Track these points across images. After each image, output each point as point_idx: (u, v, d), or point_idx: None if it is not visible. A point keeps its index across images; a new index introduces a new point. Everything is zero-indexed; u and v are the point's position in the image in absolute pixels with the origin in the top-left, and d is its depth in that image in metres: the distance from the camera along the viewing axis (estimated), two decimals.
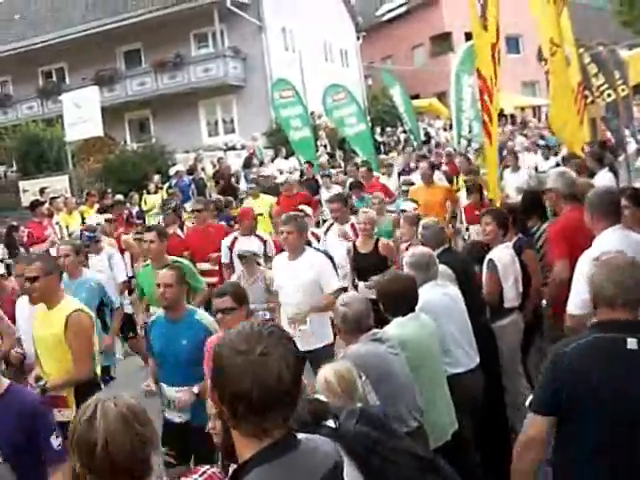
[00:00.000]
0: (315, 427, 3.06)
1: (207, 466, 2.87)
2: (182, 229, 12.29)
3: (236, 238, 9.95)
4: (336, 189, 14.61)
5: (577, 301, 4.88)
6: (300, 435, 2.27)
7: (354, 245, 8.76)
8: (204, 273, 9.59)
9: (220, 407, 2.19)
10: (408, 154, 20.39)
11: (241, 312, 5.26)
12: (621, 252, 3.70)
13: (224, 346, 2.18)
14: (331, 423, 3.15)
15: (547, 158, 18.10)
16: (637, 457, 3.27)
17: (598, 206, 5.46)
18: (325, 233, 9.94)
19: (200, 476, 2.74)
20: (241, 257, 8.29)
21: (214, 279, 9.73)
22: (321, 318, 7.05)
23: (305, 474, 2.18)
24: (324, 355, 6.13)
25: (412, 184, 12.73)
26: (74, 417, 2.62)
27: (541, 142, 23.23)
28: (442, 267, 6.06)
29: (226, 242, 9.99)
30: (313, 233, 9.90)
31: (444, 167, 16.65)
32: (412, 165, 17.69)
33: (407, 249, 7.25)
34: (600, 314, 3.52)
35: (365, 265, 8.42)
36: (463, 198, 12.20)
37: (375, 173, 15.18)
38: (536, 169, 16.91)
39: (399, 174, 16.57)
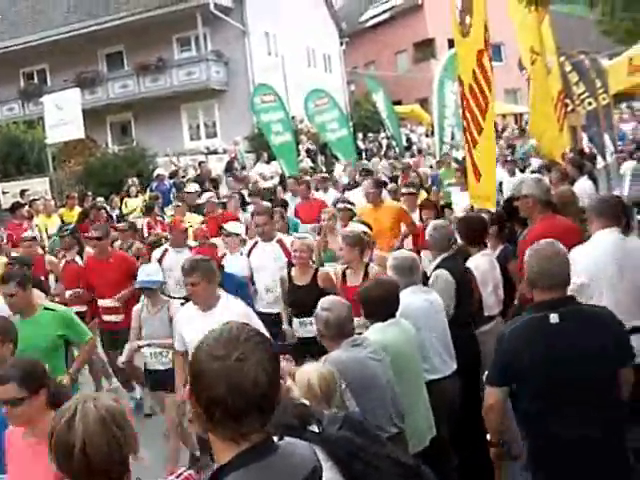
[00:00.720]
0: (300, 431, 3.06)
1: (183, 468, 2.87)
2: (81, 255, 10.63)
3: (167, 250, 9.66)
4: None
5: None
6: (278, 440, 2.26)
7: (289, 276, 7.61)
8: (106, 310, 8.98)
9: (197, 410, 2.17)
10: (353, 167, 18.47)
11: (36, 400, 3.98)
12: (551, 242, 4.26)
13: (201, 351, 2.17)
14: (314, 428, 3.14)
15: (513, 174, 15.96)
16: (569, 404, 3.94)
17: (597, 208, 5.62)
18: (249, 254, 8.82)
19: (177, 478, 2.74)
20: (143, 289, 7.36)
21: (119, 317, 8.83)
22: None
23: (283, 478, 2.18)
24: None
25: (351, 203, 10.36)
26: (53, 418, 2.61)
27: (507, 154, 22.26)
28: (443, 272, 6.07)
29: (156, 254, 9.68)
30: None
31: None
32: (359, 179, 15.55)
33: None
34: (535, 297, 4.17)
35: (302, 299, 7.11)
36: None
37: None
38: (500, 184, 14.23)
39: (344, 189, 15.21)
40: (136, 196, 19.51)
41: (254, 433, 2.16)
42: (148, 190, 20.22)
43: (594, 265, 5.24)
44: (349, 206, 10.01)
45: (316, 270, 7.53)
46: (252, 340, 2.17)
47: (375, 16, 48.72)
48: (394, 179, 16.69)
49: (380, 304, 5.03)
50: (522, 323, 4.16)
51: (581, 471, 3.96)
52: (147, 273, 7.45)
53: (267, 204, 10.72)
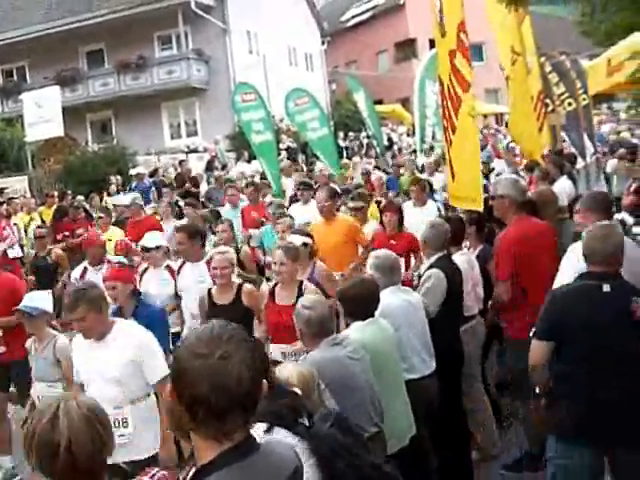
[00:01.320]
0: (291, 422, 3.08)
1: (157, 469, 2.85)
2: None
3: (86, 269, 8.75)
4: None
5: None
6: (267, 428, 2.26)
7: (209, 293, 6.89)
8: None
9: (180, 409, 2.15)
10: (299, 172, 17.69)
11: None
12: (607, 225, 4.74)
13: (184, 349, 2.16)
14: (305, 421, 3.15)
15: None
16: (605, 363, 4.35)
17: (592, 203, 5.78)
18: (178, 271, 7.98)
19: (151, 478, 2.71)
20: (23, 312, 6.34)
21: None
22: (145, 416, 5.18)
23: (266, 477, 2.18)
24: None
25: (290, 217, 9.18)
26: (30, 418, 2.58)
27: None
28: (436, 272, 6.06)
29: (75, 274, 8.82)
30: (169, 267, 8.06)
31: None
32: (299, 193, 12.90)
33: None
34: (588, 268, 4.61)
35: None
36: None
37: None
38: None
39: (291, 199, 13.96)
40: (117, 194, 19.43)
41: (237, 432, 2.15)
42: (128, 189, 20.13)
43: None
44: (286, 212, 9.40)
45: (239, 286, 6.80)
46: (235, 338, 2.16)
47: (356, 15, 48.79)
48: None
49: (360, 303, 5.02)
50: (575, 287, 4.63)
51: (619, 435, 4.38)
52: (31, 298, 6.49)
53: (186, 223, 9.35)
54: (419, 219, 8.72)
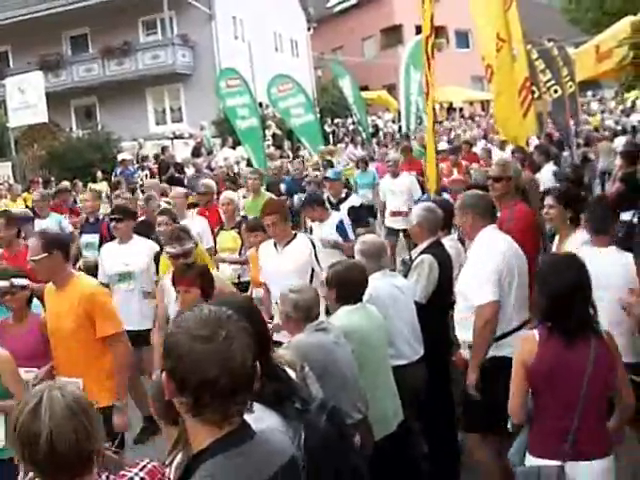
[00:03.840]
0: (287, 403, 3.10)
1: (147, 460, 2.83)
2: None
3: None
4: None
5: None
6: (254, 426, 2.24)
7: None
8: None
9: (177, 397, 2.12)
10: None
11: None
12: None
13: (180, 333, 2.11)
14: (298, 404, 3.14)
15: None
16: None
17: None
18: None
19: (141, 470, 2.70)
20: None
21: None
22: None
23: (261, 464, 2.16)
24: None
25: None
26: (17, 405, 2.52)
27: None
28: (428, 257, 6.03)
29: None
30: None
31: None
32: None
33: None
34: None
35: None
36: None
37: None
38: None
39: None
40: (102, 181, 19.37)
41: (237, 415, 2.14)
42: (113, 175, 20.06)
43: None
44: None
45: None
46: (232, 319, 2.14)
47: (342, 1, 48.73)
48: None
49: (348, 287, 4.99)
50: None
51: None
52: None
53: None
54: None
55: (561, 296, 3.78)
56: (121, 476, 2.64)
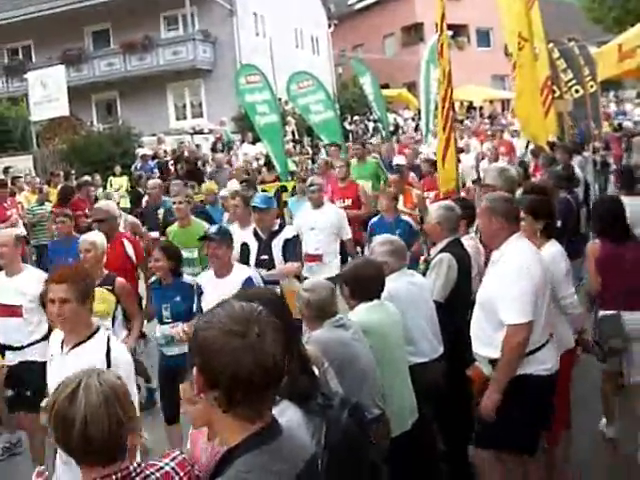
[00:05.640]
0: (309, 401, 3.11)
1: (177, 451, 2.87)
2: None
3: None
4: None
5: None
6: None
7: None
8: None
9: (207, 392, 2.11)
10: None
11: None
12: None
13: (212, 329, 2.10)
14: (320, 400, 3.16)
15: None
16: None
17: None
18: None
19: (171, 461, 2.72)
20: None
21: None
22: None
23: (291, 460, 2.17)
24: None
25: None
26: (55, 389, 2.57)
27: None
28: (447, 256, 6.01)
29: None
30: None
31: None
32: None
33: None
34: None
35: None
36: None
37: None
38: None
39: None
40: (121, 175, 19.47)
41: (269, 410, 2.17)
42: (133, 169, 20.16)
43: None
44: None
45: None
46: (262, 315, 2.15)
47: None
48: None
49: (365, 283, 4.99)
50: None
51: None
52: None
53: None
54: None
55: (607, 218, 6.36)
56: (152, 465, 2.67)
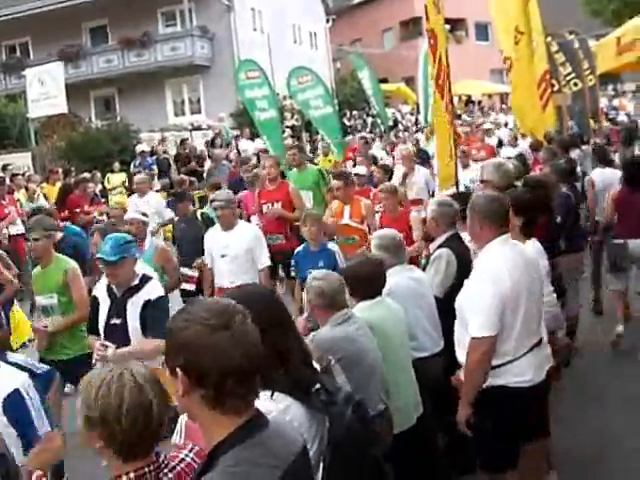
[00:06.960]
0: (313, 394, 3.11)
1: (191, 444, 2.86)
2: None
3: None
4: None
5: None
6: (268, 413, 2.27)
7: None
8: None
9: (195, 392, 2.10)
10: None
11: None
12: None
13: (194, 323, 2.08)
14: (322, 396, 3.16)
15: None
16: None
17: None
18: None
19: (190, 452, 2.72)
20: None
21: None
22: None
23: (280, 453, 2.18)
24: None
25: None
26: (87, 381, 2.52)
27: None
28: (446, 251, 6.00)
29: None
30: None
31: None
32: None
33: None
34: None
35: None
36: None
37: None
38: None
39: None
40: (120, 172, 19.44)
41: (255, 401, 2.17)
42: (132, 166, 20.13)
43: None
44: None
45: None
46: (237, 305, 2.16)
47: None
48: None
49: (366, 281, 4.99)
50: None
51: None
52: None
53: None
54: None
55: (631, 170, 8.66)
56: (174, 457, 2.66)
